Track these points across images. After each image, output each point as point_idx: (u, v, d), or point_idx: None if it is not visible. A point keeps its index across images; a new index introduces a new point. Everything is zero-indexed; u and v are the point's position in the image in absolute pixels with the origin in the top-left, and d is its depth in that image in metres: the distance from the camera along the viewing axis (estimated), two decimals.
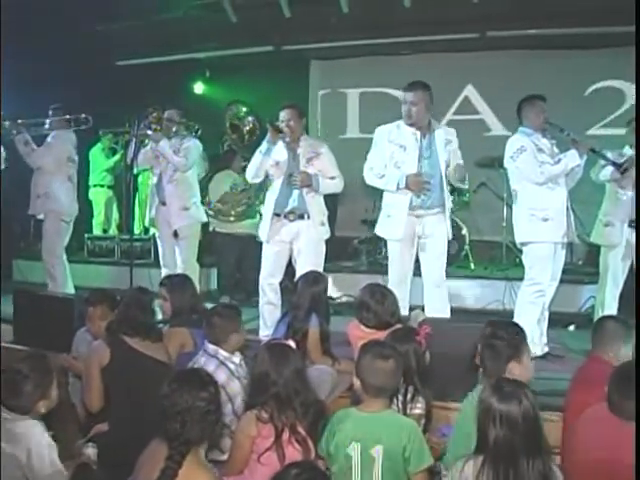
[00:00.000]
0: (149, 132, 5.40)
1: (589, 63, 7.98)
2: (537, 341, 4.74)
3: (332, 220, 7.97)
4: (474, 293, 6.62)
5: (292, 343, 3.25)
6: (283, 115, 4.92)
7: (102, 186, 8.76)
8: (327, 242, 5.21)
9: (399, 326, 3.61)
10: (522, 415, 2.30)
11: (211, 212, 6.71)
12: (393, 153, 4.72)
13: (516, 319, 4.70)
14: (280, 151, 4.94)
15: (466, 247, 7.12)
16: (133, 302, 3.60)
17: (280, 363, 2.80)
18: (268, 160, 4.92)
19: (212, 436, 2.48)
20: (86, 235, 8.18)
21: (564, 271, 6.70)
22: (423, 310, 4.67)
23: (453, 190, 7.28)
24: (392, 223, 4.76)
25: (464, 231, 7.17)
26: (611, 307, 5.08)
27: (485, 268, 7.15)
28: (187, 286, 4.09)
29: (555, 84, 7.40)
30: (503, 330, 3.00)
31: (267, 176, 5.06)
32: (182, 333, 3.84)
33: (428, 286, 4.79)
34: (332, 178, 5.00)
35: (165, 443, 2.33)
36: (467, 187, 6.16)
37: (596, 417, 2.80)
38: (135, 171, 6.91)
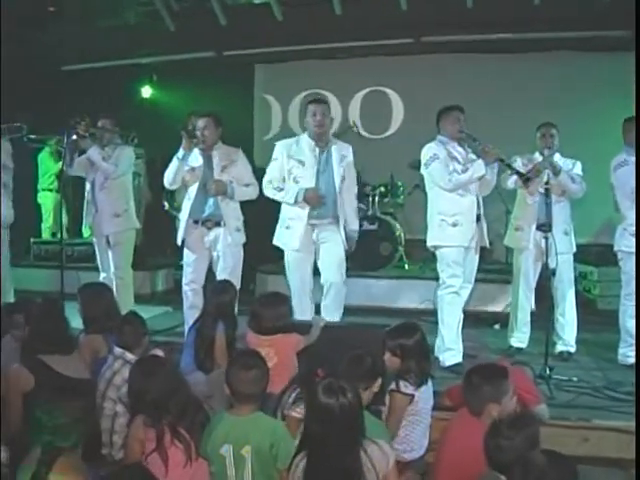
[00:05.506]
0: (74, 137, 5.47)
1: None
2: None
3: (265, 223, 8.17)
4: (407, 293, 6.83)
5: (159, 352, 3.46)
6: (199, 123, 5.04)
7: (50, 190, 8.81)
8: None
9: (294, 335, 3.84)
10: (340, 409, 2.52)
11: None
12: (292, 168, 4.89)
13: (439, 323, 4.95)
14: (195, 157, 5.06)
15: (400, 248, 7.26)
16: (44, 315, 3.67)
17: (150, 373, 3.00)
18: (184, 166, 5.03)
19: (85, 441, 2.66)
20: (32, 239, 8.26)
21: (497, 271, 6.96)
22: None
23: (386, 192, 7.54)
24: (291, 234, 4.92)
25: (398, 232, 7.32)
26: (524, 307, 5.30)
27: (419, 268, 7.31)
28: (101, 295, 4.19)
29: None
30: None
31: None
32: (96, 340, 3.96)
33: (325, 288, 4.95)
34: (247, 185, 5.14)
35: (39, 448, 2.50)
36: None
37: (457, 417, 3.02)
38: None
